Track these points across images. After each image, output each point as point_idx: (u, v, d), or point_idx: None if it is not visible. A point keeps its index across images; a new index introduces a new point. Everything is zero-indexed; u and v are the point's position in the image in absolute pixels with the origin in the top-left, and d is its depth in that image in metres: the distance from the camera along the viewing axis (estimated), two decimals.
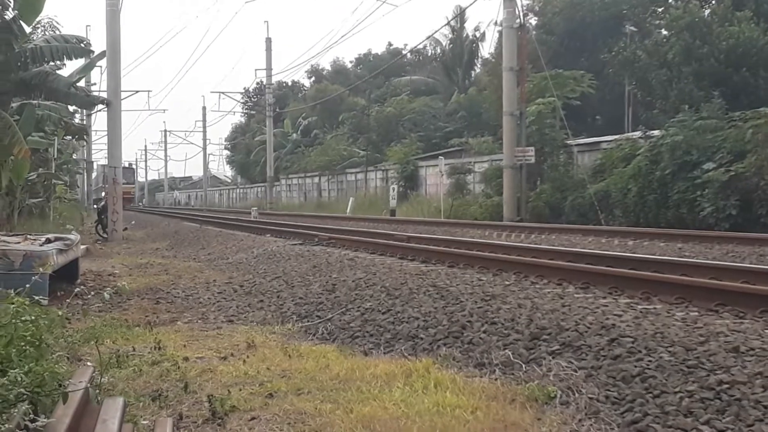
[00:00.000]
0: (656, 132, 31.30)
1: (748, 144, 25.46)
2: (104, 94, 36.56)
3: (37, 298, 6.74)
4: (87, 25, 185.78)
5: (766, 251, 17.00)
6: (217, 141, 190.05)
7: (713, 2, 41.08)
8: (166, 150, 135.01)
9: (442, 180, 43.91)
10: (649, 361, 7.04)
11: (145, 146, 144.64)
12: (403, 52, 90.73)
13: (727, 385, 6.23)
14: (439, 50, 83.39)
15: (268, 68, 73.24)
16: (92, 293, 13.18)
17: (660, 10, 50.17)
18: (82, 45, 26.62)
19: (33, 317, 5.92)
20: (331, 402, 6.93)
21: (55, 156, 33.92)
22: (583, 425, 6.26)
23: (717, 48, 34.29)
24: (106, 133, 36.79)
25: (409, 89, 77.70)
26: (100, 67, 45.85)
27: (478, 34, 78.44)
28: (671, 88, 35.88)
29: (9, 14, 22.51)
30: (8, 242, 13.97)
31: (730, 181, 25.00)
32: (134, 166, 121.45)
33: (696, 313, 8.93)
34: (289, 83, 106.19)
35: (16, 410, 4.71)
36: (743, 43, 33.88)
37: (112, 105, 32.71)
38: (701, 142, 27.41)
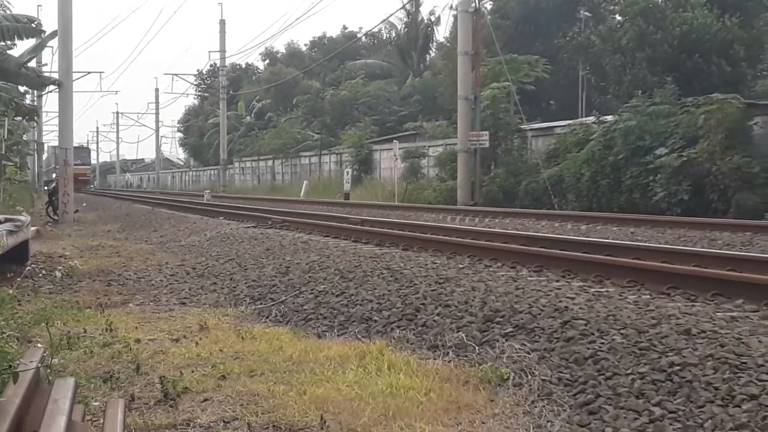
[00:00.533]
0: (609, 117, 31.53)
1: (700, 130, 25.69)
2: (56, 75, 36.09)
3: None
4: (38, 5, 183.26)
5: (717, 236, 17.17)
6: (170, 123, 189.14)
7: None
8: (118, 132, 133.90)
9: (396, 164, 43.87)
10: (602, 343, 7.07)
11: (97, 128, 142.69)
12: (358, 35, 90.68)
13: (678, 367, 6.27)
14: (394, 34, 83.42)
15: (222, 50, 72.99)
16: (42, 274, 13.06)
17: None
18: (33, 25, 26.34)
19: None
20: (285, 384, 6.90)
21: (5, 137, 33.49)
22: (535, 407, 6.28)
23: (670, 34, 34.57)
24: (57, 114, 36.40)
25: (363, 73, 77.57)
26: (52, 47, 45.33)
27: (433, 18, 78.64)
28: (625, 73, 36.14)
29: None
30: None
31: (682, 167, 25.21)
32: (90, 147, 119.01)
33: (648, 296, 8.99)
34: (243, 66, 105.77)
35: None
36: (696, 30, 34.17)
37: (64, 86, 32.32)
38: (654, 127, 27.63)
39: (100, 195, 71.16)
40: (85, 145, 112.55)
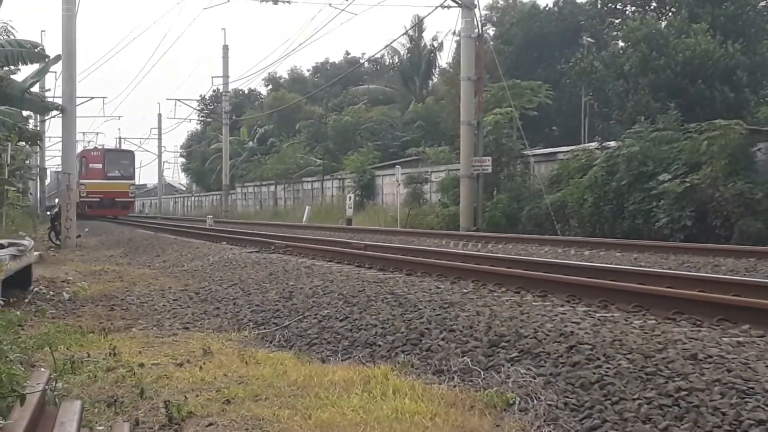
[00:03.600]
0: (612, 143, 31.57)
1: (703, 155, 25.69)
2: (59, 100, 36.13)
3: None
4: (42, 30, 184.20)
5: (720, 261, 17.13)
6: (173, 148, 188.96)
7: (670, 14, 41.53)
8: None
9: (398, 189, 43.88)
10: (608, 368, 7.04)
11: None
12: (361, 61, 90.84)
13: (685, 392, 6.23)
14: (396, 59, 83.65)
15: (225, 76, 73.01)
16: (46, 299, 13.04)
17: (617, 21, 50.64)
18: (37, 50, 26.38)
19: None
20: (289, 408, 6.87)
21: (8, 162, 33.55)
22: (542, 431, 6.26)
23: (673, 60, 34.61)
24: (60, 139, 36.46)
25: (366, 98, 77.64)
26: (55, 72, 45.48)
27: (436, 44, 78.80)
28: (628, 99, 36.18)
29: None
30: None
31: (685, 192, 25.20)
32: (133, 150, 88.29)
33: (653, 321, 8.94)
34: (246, 91, 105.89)
35: None
36: (699, 55, 34.22)
37: (67, 111, 32.36)
38: (657, 153, 27.63)
39: (101, 220, 71.16)
40: (119, 146, 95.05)
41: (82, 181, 56.22)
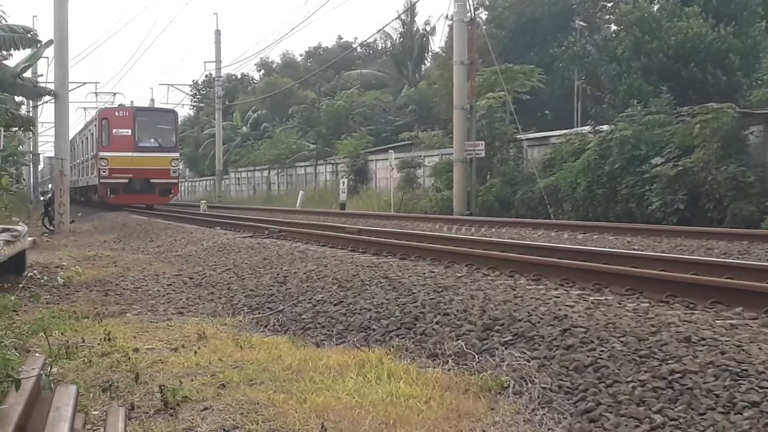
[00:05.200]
0: (605, 127, 31.49)
1: (695, 139, 25.69)
2: (51, 86, 36.08)
3: None
4: (33, 15, 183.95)
5: (713, 245, 17.18)
6: None
7: None
8: None
9: (392, 174, 43.82)
10: (602, 351, 7.07)
11: None
12: (354, 45, 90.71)
13: (679, 375, 6.27)
14: (389, 44, 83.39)
15: (218, 60, 72.76)
16: (40, 284, 13.05)
17: (609, 5, 50.69)
18: (29, 35, 26.33)
19: None
20: (284, 392, 6.90)
21: (1, 147, 33.49)
22: (536, 414, 6.29)
23: (666, 43, 34.56)
24: (52, 125, 36.36)
25: (359, 83, 77.49)
26: (47, 58, 45.18)
27: (428, 28, 78.48)
28: (620, 83, 36.11)
29: None
30: None
31: (678, 176, 25.22)
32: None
33: (647, 304, 8.97)
34: (239, 76, 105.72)
35: None
36: (692, 39, 34.16)
37: (60, 96, 32.25)
38: (650, 137, 27.63)
39: (94, 205, 71.12)
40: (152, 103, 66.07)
41: (102, 154, 46.66)
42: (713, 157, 24.65)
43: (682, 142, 26.37)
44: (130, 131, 46.62)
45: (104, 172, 45.79)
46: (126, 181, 46.40)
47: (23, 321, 9.95)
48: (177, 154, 49.89)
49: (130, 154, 46.29)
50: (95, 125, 47.88)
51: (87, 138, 53.54)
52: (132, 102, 53.04)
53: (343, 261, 14.47)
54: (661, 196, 25.58)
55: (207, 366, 7.97)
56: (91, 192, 52.36)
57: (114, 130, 46.39)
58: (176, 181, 50.88)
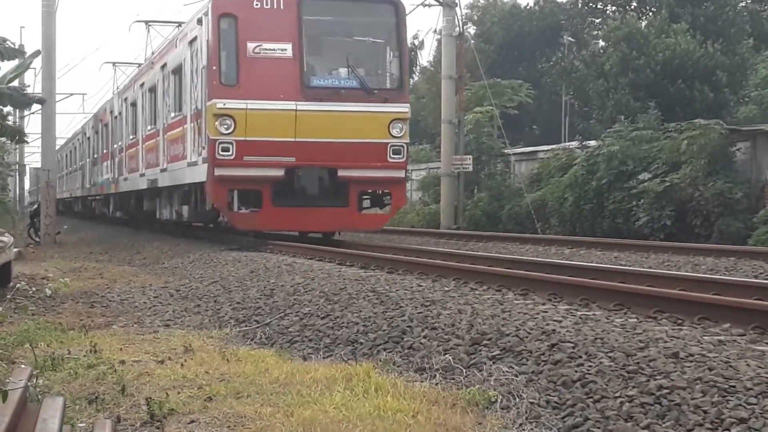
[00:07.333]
0: (593, 142, 31.60)
1: (683, 155, 25.74)
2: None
3: None
4: (21, 27, 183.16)
5: (701, 261, 17.19)
6: None
7: (650, 14, 41.63)
8: None
9: None
10: (590, 366, 7.06)
11: None
12: None
13: (667, 390, 6.26)
14: None
15: None
16: (26, 296, 12.99)
17: (597, 21, 50.78)
18: (13, 46, 26.27)
19: None
20: (271, 405, 6.87)
21: None
22: (523, 429, 6.28)
23: (653, 59, 34.66)
24: (39, 136, 36.20)
25: None
26: (34, 69, 45.06)
27: (417, 42, 78.57)
28: (608, 98, 36.20)
29: None
30: None
31: (665, 192, 25.27)
32: None
33: (635, 320, 8.97)
34: None
35: None
36: (679, 55, 34.28)
37: (47, 104, 32.11)
38: (637, 152, 27.69)
39: (81, 217, 70.93)
40: None
41: (219, 103, 20.57)
42: (700, 174, 24.73)
43: (670, 158, 26.44)
44: (290, 48, 20.80)
45: (224, 150, 20.58)
46: (281, 173, 21.13)
47: (8, 332, 9.91)
48: (406, 107, 22.32)
49: (292, 104, 20.79)
50: (191, 41, 23.22)
51: (140, 99, 31.90)
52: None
53: (331, 274, 14.43)
54: (649, 211, 25.63)
55: (194, 378, 7.93)
56: (147, 200, 31.84)
57: (250, 46, 20.65)
58: (401, 172, 22.46)
